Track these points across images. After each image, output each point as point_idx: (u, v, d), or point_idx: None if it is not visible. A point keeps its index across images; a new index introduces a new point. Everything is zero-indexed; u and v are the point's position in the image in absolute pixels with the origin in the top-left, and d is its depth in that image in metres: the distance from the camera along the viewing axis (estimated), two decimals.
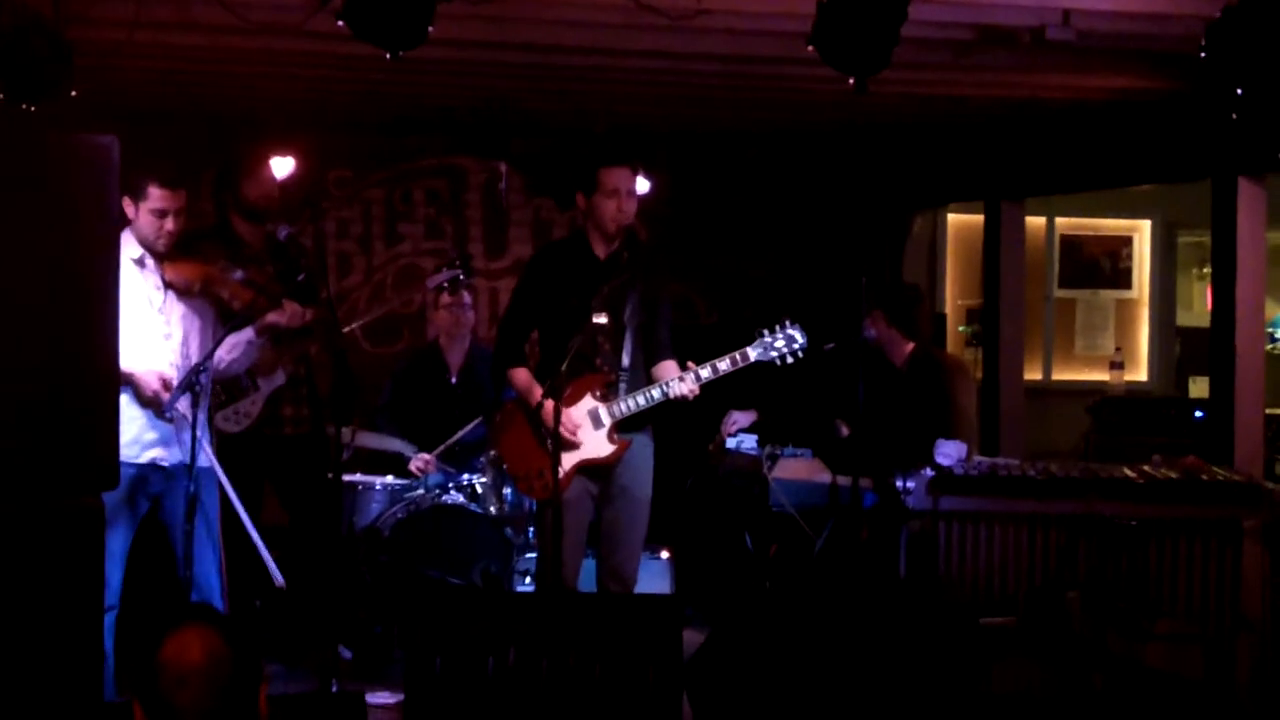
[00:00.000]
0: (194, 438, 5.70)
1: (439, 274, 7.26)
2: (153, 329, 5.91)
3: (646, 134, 9.14)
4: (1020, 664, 6.17)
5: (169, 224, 5.89)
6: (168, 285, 5.97)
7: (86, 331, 4.97)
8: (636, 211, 6.28)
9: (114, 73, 6.89)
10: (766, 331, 6.13)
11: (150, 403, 5.81)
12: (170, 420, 5.85)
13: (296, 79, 7.58)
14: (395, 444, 7.74)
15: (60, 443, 4.90)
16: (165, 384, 5.82)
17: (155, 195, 5.85)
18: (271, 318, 6.20)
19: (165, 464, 5.92)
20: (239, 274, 6.18)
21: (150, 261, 5.93)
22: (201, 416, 5.91)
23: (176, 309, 6.00)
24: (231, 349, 6.11)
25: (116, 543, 5.74)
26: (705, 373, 6.10)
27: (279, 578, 5.85)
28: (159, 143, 7.22)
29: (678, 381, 6.09)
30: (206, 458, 5.92)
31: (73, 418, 4.92)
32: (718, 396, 6.43)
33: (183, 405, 5.77)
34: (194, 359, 5.94)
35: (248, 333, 6.15)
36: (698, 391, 6.11)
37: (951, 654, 5.95)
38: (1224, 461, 7.07)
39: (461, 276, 7.31)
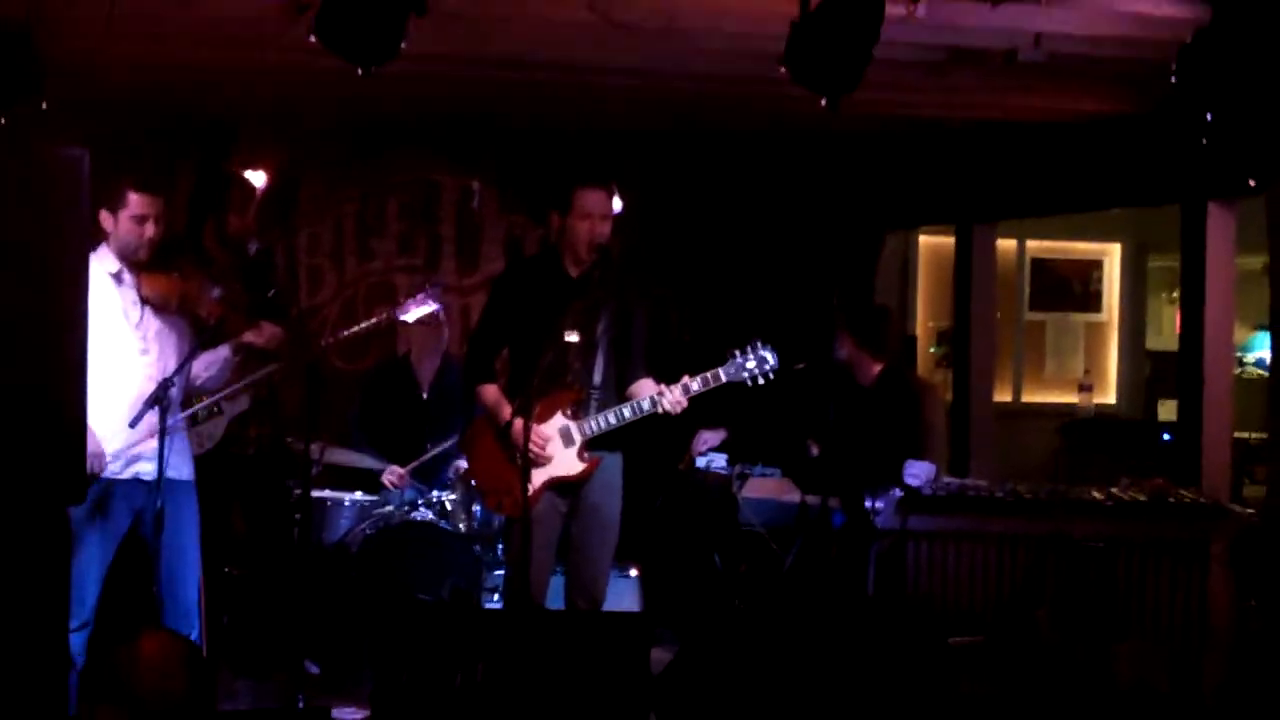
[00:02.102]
0: (160, 451, 5.67)
1: (414, 300, 7.21)
2: (129, 345, 5.87)
3: (618, 146, 9.14)
4: (988, 681, 6.18)
5: (149, 230, 5.85)
6: (144, 300, 5.93)
7: (55, 346, 4.94)
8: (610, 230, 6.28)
9: (87, 84, 6.87)
10: (738, 352, 6.13)
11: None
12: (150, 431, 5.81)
13: (269, 92, 7.57)
14: (366, 459, 7.73)
15: (27, 457, 4.87)
16: (99, 457, 5.75)
17: (135, 201, 5.81)
18: (248, 337, 6.13)
19: (148, 479, 5.87)
20: (216, 292, 6.14)
21: (128, 277, 5.89)
22: (181, 432, 5.89)
23: (153, 325, 5.95)
24: (208, 366, 6.09)
25: (93, 559, 5.72)
26: (696, 385, 6.09)
27: None
28: (131, 154, 7.23)
29: (668, 394, 6.08)
30: (187, 472, 5.90)
31: (39, 433, 4.89)
32: (688, 415, 6.42)
33: (152, 419, 5.74)
34: (168, 373, 5.91)
35: (224, 350, 6.12)
36: (685, 404, 6.10)
37: (920, 672, 5.95)
38: (1191, 483, 7.09)
39: (439, 310, 7.27)
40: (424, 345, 8.09)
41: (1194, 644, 6.19)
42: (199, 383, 6.07)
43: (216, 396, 6.18)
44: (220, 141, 8.25)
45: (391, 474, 7.66)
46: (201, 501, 6.34)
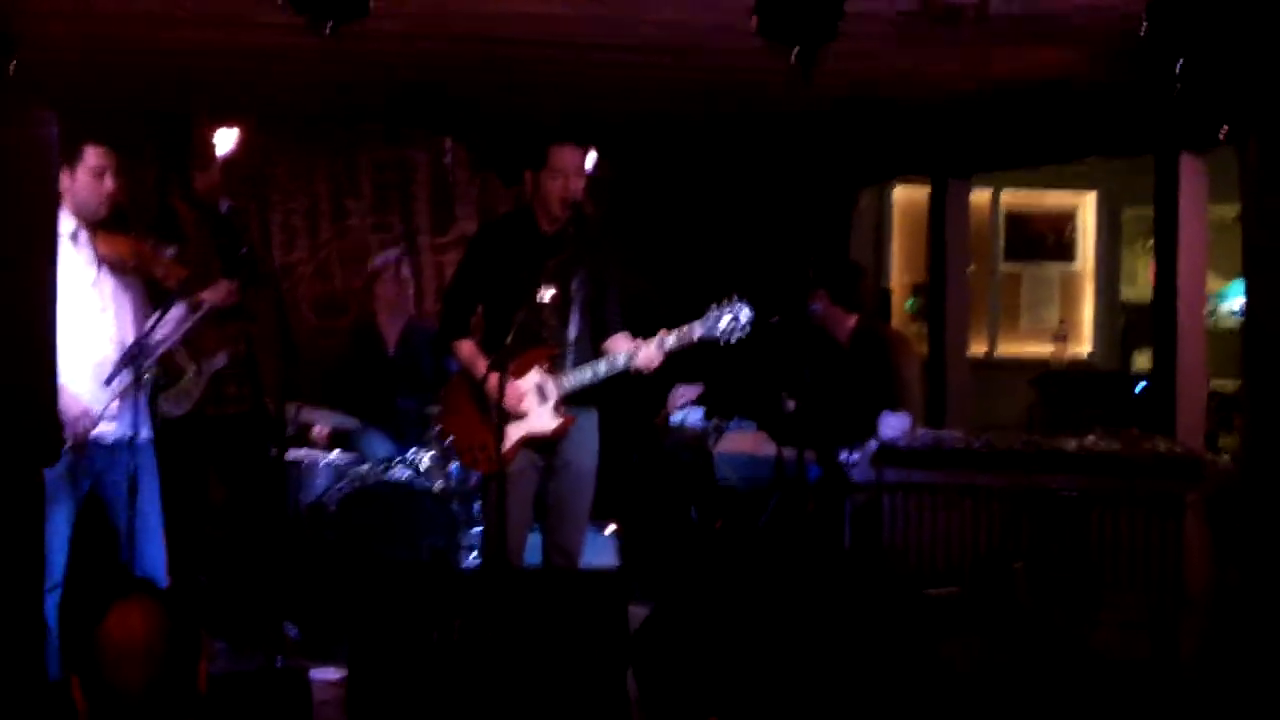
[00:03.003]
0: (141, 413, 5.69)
1: (384, 254, 7.20)
2: (89, 305, 5.83)
3: (592, 106, 9.10)
4: (964, 635, 6.20)
5: (108, 183, 5.82)
6: (100, 260, 5.90)
7: (25, 308, 4.93)
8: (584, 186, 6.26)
9: (53, 44, 6.81)
10: (715, 306, 6.12)
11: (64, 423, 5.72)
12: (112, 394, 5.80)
13: (241, 64, 7.51)
14: (337, 419, 7.72)
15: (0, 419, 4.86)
16: (88, 416, 5.76)
17: (91, 154, 5.76)
18: (204, 295, 6.11)
19: (107, 440, 5.86)
20: (170, 251, 6.12)
21: (83, 236, 5.84)
22: (143, 392, 5.87)
23: (109, 284, 5.91)
24: (163, 325, 6.06)
25: (59, 521, 5.69)
26: (671, 340, 6.08)
27: None
28: (99, 115, 7.16)
29: (642, 350, 6.07)
30: (147, 432, 5.89)
31: (11, 394, 4.88)
32: (664, 371, 6.42)
33: (119, 381, 5.73)
34: (129, 335, 5.89)
35: (179, 309, 6.09)
36: (660, 361, 6.09)
37: (896, 626, 5.97)
38: (1166, 434, 7.12)
39: (404, 254, 7.27)
40: (386, 302, 8.10)
41: (1169, 596, 6.22)
42: (155, 342, 6.05)
43: (157, 352, 6.11)
44: (195, 100, 8.20)
45: (320, 433, 7.72)
46: (178, 462, 6.34)
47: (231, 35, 6.27)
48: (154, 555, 5.93)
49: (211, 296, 6.12)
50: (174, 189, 6.80)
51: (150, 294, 6.08)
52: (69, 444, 5.59)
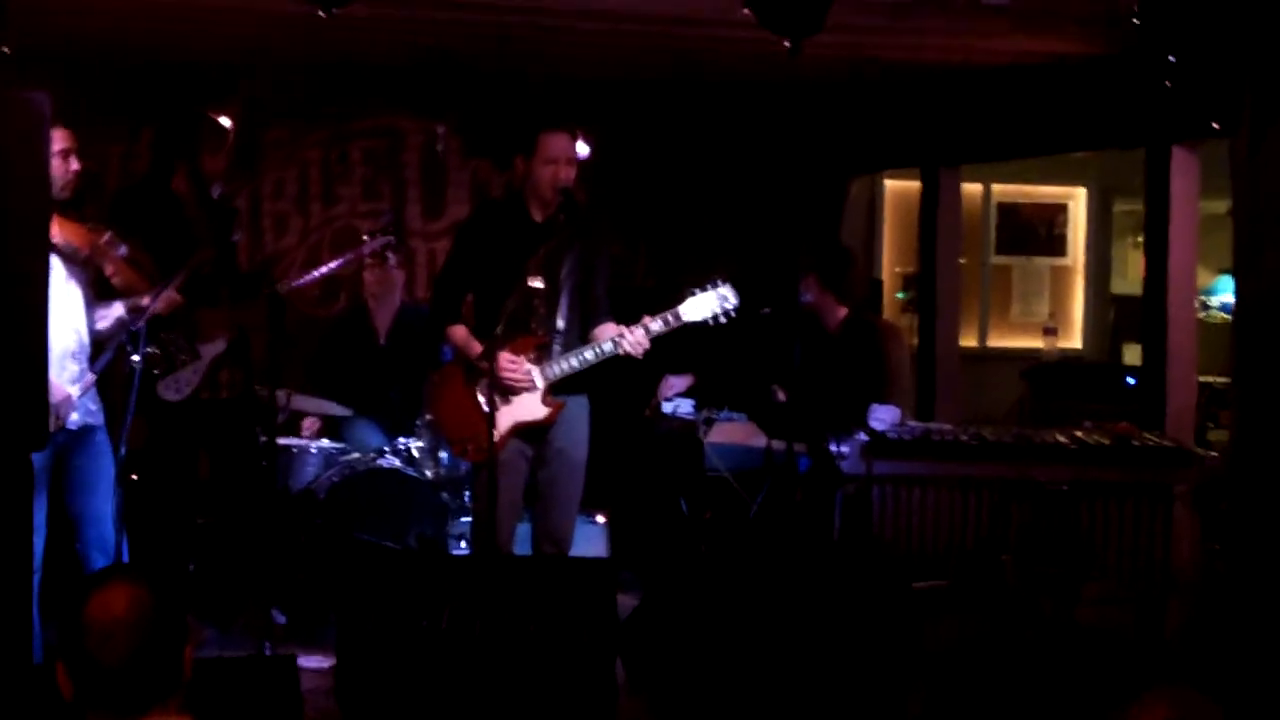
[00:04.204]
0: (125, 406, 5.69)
1: (373, 240, 7.17)
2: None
3: (584, 93, 9.10)
4: (953, 624, 6.21)
5: (74, 164, 5.82)
6: (54, 248, 5.83)
7: (16, 291, 4.90)
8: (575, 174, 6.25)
9: (47, 24, 6.80)
10: (699, 290, 6.11)
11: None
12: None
13: (232, 35, 7.50)
14: (329, 406, 7.71)
15: None
16: (69, 402, 5.76)
17: (58, 136, 5.70)
18: (145, 301, 6.05)
19: (73, 426, 5.87)
20: (123, 250, 6.07)
21: None
22: (92, 377, 5.88)
23: (60, 271, 5.84)
24: (101, 320, 6.05)
25: (40, 506, 5.71)
26: (656, 325, 6.06)
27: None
28: (91, 98, 7.17)
29: (628, 335, 6.06)
30: (100, 415, 5.90)
31: (2, 379, 4.86)
32: (654, 361, 6.42)
33: (82, 370, 5.75)
34: (80, 324, 5.89)
35: (118, 307, 6.07)
36: (648, 345, 6.08)
37: (884, 616, 5.98)
38: (1156, 427, 7.13)
39: (393, 241, 7.24)
40: (377, 290, 8.08)
41: (1158, 588, 6.24)
42: (97, 333, 6.03)
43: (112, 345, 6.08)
44: (187, 85, 8.19)
45: (309, 425, 7.74)
46: (168, 448, 6.32)
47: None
48: (110, 535, 5.92)
49: (151, 304, 6.05)
50: (180, 172, 6.78)
51: (97, 288, 6.05)
52: (52, 429, 5.59)
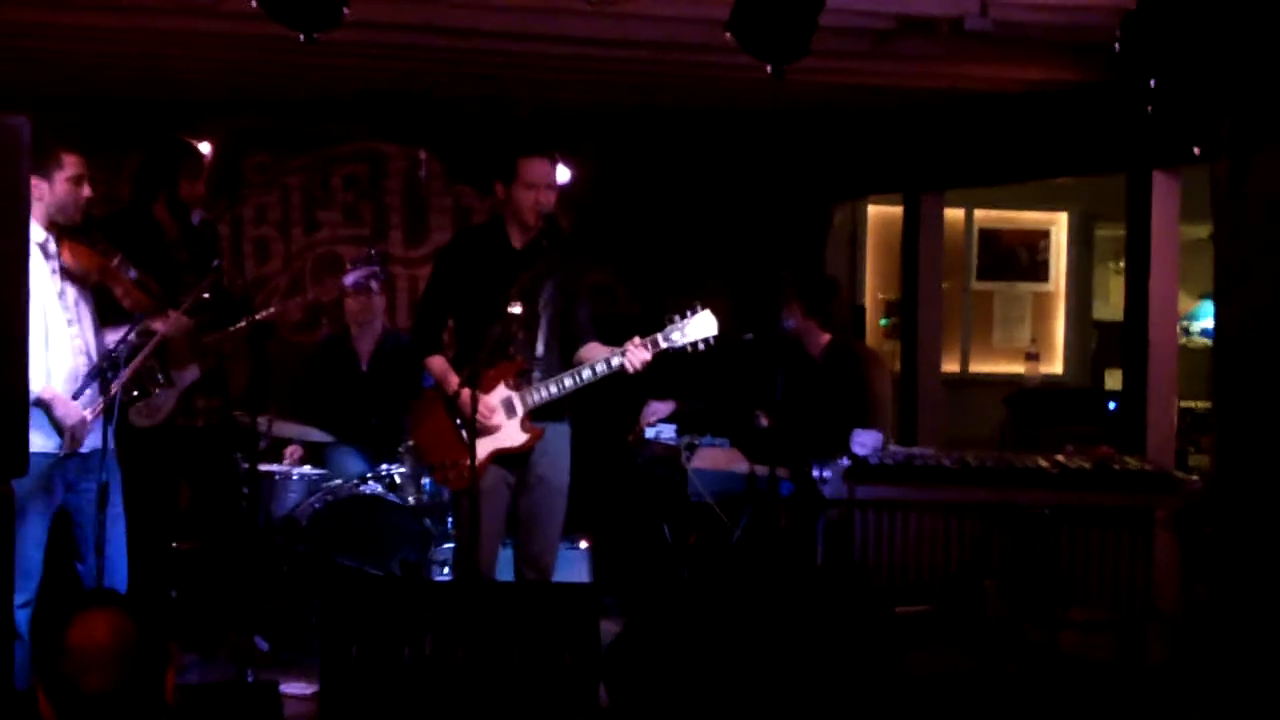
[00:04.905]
0: (105, 425, 5.66)
1: (356, 270, 7.14)
2: (58, 315, 5.79)
3: (569, 121, 9.12)
4: (936, 650, 6.21)
5: (86, 190, 5.83)
6: (65, 271, 5.86)
7: None
8: (558, 199, 6.25)
9: (30, 53, 6.81)
10: (678, 317, 6.10)
11: (64, 430, 5.72)
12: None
13: (215, 60, 7.51)
14: (312, 432, 7.70)
15: None
16: (85, 424, 5.76)
17: (70, 161, 5.74)
18: (155, 324, 6.05)
19: (83, 451, 5.84)
20: (133, 273, 6.07)
21: (52, 247, 5.80)
22: (102, 400, 5.86)
23: (72, 294, 5.87)
24: (113, 343, 6.03)
25: (37, 534, 5.69)
26: (660, 340, 6.05)
27: None
28: (75, 126, 7.17)
29: (631, 351, 6.03)
30: (113, 442, 5.88)
31: None
32: (637, 386, 6.42)
33: (91, 393, 5.72)
34: (92, 347, 5.87)
35: (131, 333, 6.06)
36: (650, 360, 6.05)
37: (867, 641, 5.97)
38: (1137, 452, 7.14)
39: (378, 271, 7.22)
40: (359, 316, 8.07)
41: (1139, 613, 6.24)
42: (116, 358, 6.02)
43: (123, 371, 6.06)
44: (171, 114, 8.23)
45: (292, 453, 7.74)
46: (148, 475, 6.30)
47: (204, 24, 6.29)
48: (119, 564, 5.90)
49: (160, 326, 6.05)
50: (159, 199, 6.79)
51: (103, 309, 6.04)
52: (67, 451, 5.67)
